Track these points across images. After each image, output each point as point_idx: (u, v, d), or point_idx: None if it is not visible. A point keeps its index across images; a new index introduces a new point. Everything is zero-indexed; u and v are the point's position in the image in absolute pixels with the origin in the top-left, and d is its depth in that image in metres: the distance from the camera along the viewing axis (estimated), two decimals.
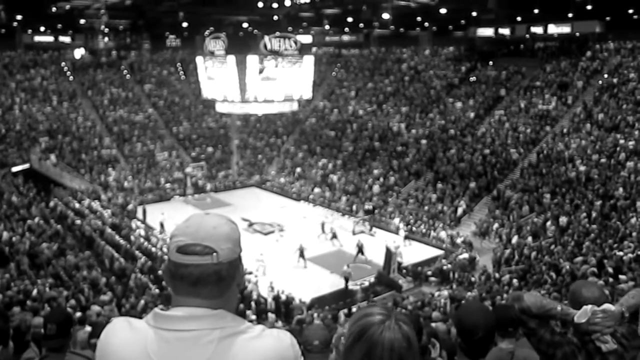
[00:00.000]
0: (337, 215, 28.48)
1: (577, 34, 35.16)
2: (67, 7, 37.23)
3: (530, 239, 21.37)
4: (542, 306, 2.29)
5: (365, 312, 1.47)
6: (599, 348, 2.18)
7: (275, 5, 37.94)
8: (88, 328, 5.94)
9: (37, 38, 43.66)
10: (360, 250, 22.74)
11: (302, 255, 22.19)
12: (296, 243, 22.73)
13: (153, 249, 21.33)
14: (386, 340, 1.38)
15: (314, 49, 44.01)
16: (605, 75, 30.12)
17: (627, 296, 2.37)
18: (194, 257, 1.36)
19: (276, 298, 18.25)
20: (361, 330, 1.42)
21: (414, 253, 23.47)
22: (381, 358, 1.37)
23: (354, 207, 29.28)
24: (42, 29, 44.26)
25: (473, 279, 19.93)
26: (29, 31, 42.97)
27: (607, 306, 2.20)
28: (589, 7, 32.70)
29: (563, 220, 21.50)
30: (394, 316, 1.43)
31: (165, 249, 19.51)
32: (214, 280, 1.37)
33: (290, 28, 42.57)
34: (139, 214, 27.91)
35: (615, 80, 29.30)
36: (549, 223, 21.97)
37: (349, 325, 1.48)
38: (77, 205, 26.30)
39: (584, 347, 2.21)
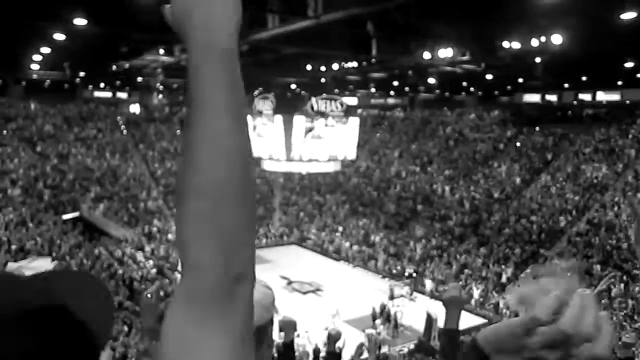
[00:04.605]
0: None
1: (627, 101, 34.65)
2: (127, 65, 39.24)
3: None
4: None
5: None
6: None
7: (323, 68, 38.99)
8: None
9: (97, 93, 46.16)
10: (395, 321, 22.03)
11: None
12: (335, 303, 22.57)
13: None
14: None
15: (359, 111, 44.78)
16: None
17: None
18: None
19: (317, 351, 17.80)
20: None
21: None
22: None
23: (394, 270, 28.77)
24: (102, 85, 46.76)
25: None
26: (90, 87, 45.48)
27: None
28: (639, 75, 32.28)
29: (615, 291, 20.56)
30: None
31: None
32: None
33: (336, 90, 43.44)
34: (180, 267, 28.14)
35: None
36: None
37: None
38: (120, 254, 26.79)
39: None
